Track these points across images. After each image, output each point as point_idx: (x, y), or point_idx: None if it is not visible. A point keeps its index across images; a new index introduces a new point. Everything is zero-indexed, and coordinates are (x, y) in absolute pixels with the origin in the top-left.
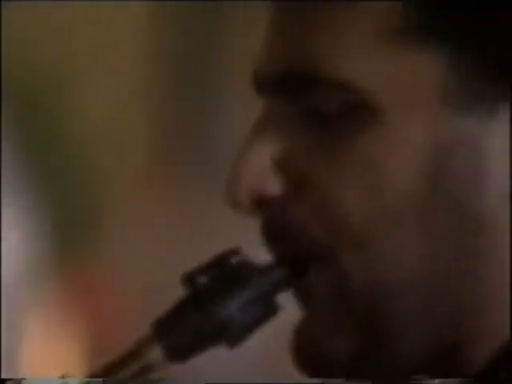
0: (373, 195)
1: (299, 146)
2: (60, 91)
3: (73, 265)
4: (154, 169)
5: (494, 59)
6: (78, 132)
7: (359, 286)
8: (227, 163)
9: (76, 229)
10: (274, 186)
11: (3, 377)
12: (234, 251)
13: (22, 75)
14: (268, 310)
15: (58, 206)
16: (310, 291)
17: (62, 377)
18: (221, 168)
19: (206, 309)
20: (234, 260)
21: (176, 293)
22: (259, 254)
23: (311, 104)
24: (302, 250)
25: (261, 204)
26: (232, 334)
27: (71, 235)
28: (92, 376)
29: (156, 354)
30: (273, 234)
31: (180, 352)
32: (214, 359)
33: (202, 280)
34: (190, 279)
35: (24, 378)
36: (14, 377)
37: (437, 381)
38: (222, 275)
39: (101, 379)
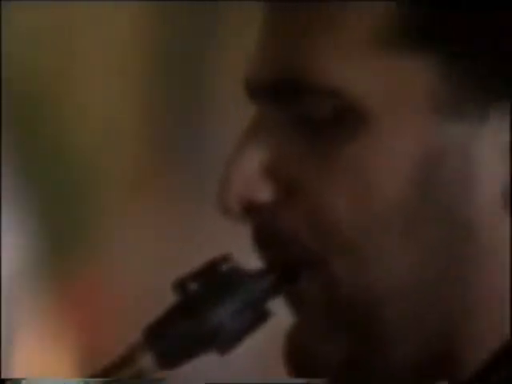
0: (363, 202)
1: (290, 152)
2: (56, 96)
3: (66, 274)
4: (146, 176)
5: (485, 67)
6: (75, 139)
7: (350, 292)
8: (220, 168)
9: (70, 238)
10: (264, 193)
11: (3, 377)
12: (225, 258)
13: (20, 77)
14: (259, 316)
15: (53, 215)
16: (301, 297)
17: None
18: (214, 174)
19: (197, 315)
20: (224, 266)
21: (169, 300)
22: (251, 260)
23: (302, 111)
24: (293, 257)
25: (251, 210)
26: (223, 341)
27: (64, 244)
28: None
29: (147, 360)
30: (263, 240)
31: (171, 359)
32: (205, 366)
33: (193, 286)
34: (180, 286)
35: (24, 378)
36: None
37: None
38: (213, 282)
39: (101, 379)
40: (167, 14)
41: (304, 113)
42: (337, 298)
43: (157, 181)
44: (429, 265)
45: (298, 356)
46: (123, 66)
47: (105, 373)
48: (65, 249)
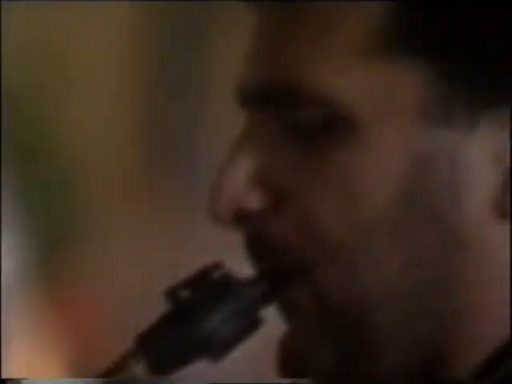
0: (352, 209)
1: (281, 160)
2: (49, 101)
3: (56, 282)
4: (138, 184)
5: (473, 74)
6: (66, 146)
7: (340, 298)
8: (212, 177)
9: (60, 245)
10: (255, 201)
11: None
12: (217, 265)
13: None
14: (251, 323)
15: (43, 220)
16: (293, 304)
17: None
18: (206, 182)
19: (189, 323)
20: (216, 274)
21: (160, 307)
22: (243, 268)
23: (293, 119)
24: (284, 264)
25: (242, 218)
26: (215, 348)
27: (55, 252)
28: None
29: (139, 368)
30: (255, 248)
31: (163, 366)
32: (197, 373)
33: (185, 294)
34: (172, 293)
35: (25, 379)
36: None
37: None
38: (205, 289)
39: (100, 379)
40: (157, 15)
41: (294, 121)
42: (328, 305)
43: (148, 189)
44: (418, 271)
45: (290, 362)
46: (116, 72)
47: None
48: (55, 257)
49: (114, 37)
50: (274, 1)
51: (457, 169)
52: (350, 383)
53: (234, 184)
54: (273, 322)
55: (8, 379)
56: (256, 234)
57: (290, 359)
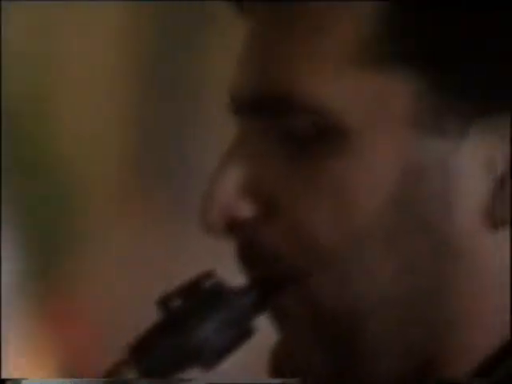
0: (344, 217)
1: (273, 169)
2: (45, 113)
3: (53, 292)
4: (131, 195)
5: (465, 82)
6: (60, 155)
7: (333, 306)
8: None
9: (51, 255)
10: (247, 209)
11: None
12: (209, 274)
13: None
14: (243, 332)
15: (33, 232)
16: (285, 313)
17: None
18: (200, 192)
19: (181, 332)
20: (208, 283)
21: (152, 317)
22: (235, 277)
23: (285, 127)
24: (276, 272)
25: (234, 227)
26: (207, 357)
27: (52, 262)
28: None
29: (131, 376)
30: (247, 256)
31: (155, 375)
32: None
33: (177, 303)
34: (164, 302)
35: (25, 379)
36: None
37: None
38: (197, 298)
39: (99, 379)
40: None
41: (286, 129)
42: (320, 313)
43: (142, 200)
44: (411, 279)
45: (282, 371)
46: (118, 87)
47: None
48: (52, 268)
49: (115, 50)
50: (265, 7)
51: (448, 178)
52: None
53: (225, 193)
54: (265, 330)
55: (8, 379)
56: (248, 242)
57: (282, 368)
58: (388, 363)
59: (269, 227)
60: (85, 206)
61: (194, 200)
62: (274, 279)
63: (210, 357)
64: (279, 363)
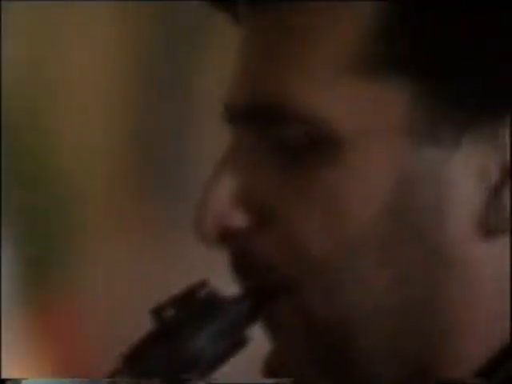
0: (338, 227)
1: (266, 178)
2: (45, 127)
3: (41, 303)
4: (127, 204)
5: (459, 91)
6: (55, 167)
7: (327, 315)
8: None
9: (44, 266)
10: (240, 219)
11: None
12: (202, 284)
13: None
14: (237, 341)
15: (25, 244)
16: (279, 322)
17: None
18: (192, 202)
19: (175, 341)
20: (202, 292)
21: (146, 327)
22: (230, 286)
23: (278, 137)
24: (270, 282)
25: (227, 236)
26: (201, 367)
27: (42, 271)
28: None
29: None
30: (240, 266)
31: None
32: None
33: (171, 313)
34: (158, 312)
35: (25, 379)
36: None
37: None
38: (191, 308)
39: (99, 379)
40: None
41: (280, 139)
42: (314, 322)
43: (137, 209)
44: (404, 288)
45: (276, 380)
46: (118, 102)
47: None
48: (42, 276)
49: (114, 61)
50: (259, 17)
51: (442, 187)
52: None
53: (218, 202)
54: (258, 339)
55: (8, 379)
56: (241, 252)
57: (275, 377)
58: (382, 372)
59: (262, 237)
60: (83, 219)
61: (191, 210)
62: (267, 289)
63: (204, 366)
64: (272, 372)
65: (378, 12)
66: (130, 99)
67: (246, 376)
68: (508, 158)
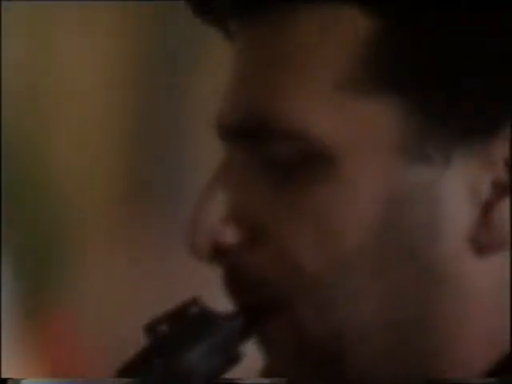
0: (329, 244)
1: (258, 194)
2: (43, 148)
3: (36, 315)
4: (121, 219)
5: (451, 108)
6: (51, 178)
7: (319, 332)
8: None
9: (38, 279)
10: (232, 235)
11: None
12: (195, 300)
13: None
14: (230, 358)
15: (21, 256)
16: (272, 338)
17: None
18: (186, 217)
19: (168, 358)
20: (195, 309)
21: (139, 343)
22: (222, 302)
23: (270, 154)
24: (262, 298)
25: (220, 253)
26: (194, 383)
27: (34, 285)
28: None
29: None
30: (232, 282)
31: None
32: None
33: (164, 329)
34: (151, 328)
35: (25, 378)
36: None
37: None
38: (184, 324)
39: (99, 379)
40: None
41: (271, 156)
42: (306, 338)
43: (132, 227)
44: (396, 304)
45: (271, 380)
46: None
47: None
48: (41, 287)
49: (115, 63)
50: (251, 33)
51: (433, 204)
52: None
53: (210, 218)
54: (252, 355)
55: (8, 379)
56: (233, 268)
57: None
58: None
59: (254, 253)
60: (75, 227)
61: (184, 226)
62: (260, 305)
63: (197, 383)
64: None
65: (369, 31)
66: (130, 99)
67: None
68: (499, 174)
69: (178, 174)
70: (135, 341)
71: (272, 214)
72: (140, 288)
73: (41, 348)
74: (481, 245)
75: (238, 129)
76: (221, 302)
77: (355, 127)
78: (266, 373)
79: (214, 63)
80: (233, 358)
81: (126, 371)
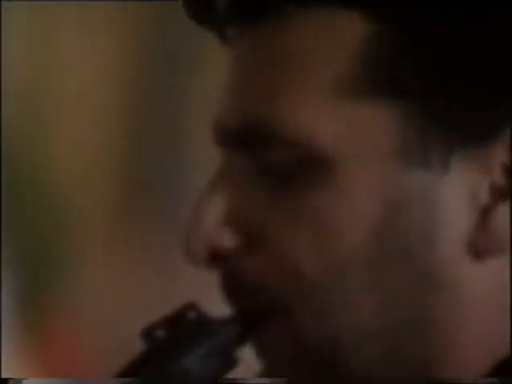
0: (327, 249)
1: (255, 199)
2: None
3: (36, 315)
4: (121, 222)
5: (449, 114)
6: (51, 181)
7: (316, 338)
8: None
9: (38, 279)
10: (229, 240)
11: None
12: (192, 305)
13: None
14: (227, 363)
15: (21, 256)
16: (268, 343)
17: None
18: (186, 216)
19: (165, 363)
20: (192, 314)
21: (139, 343)
22: (220, 307)
23: (268, 160)
24: (259, 303)
25: (216, 258)
26: None
27: (34, 285)
28: None
29: None
30: (230, 287)
31: None
32: None
33: (161, 334)
34: (148, 333)
35: (25, 378)
36: None
37: None
38: (181, 329)
39: (99, 379)
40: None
41: (269, 161)
42: (303, 343)
43: (132, 228)
44: (393, 309)
45: (271, 380)
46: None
47: None
48: (39, 292)
49: (115, 64)
50: (248, 38)
51: (431, 208)
52: None
53: (207, 223)
54: (248, 360)
55: (8, 379)
56: (230, 273)
57: None
58: None
59: (251, 258)
60: (75, 230)
61: (181, 231)
62: (257, 310)
63: None
64: None
65: (367, 34)
66: (130, 99)
67: None
68: (498, 179)
69: (178, 173)
70: (135, 341)
71: (269, 220)
72: (140, 288)
73: (41, 348)
74: (478, 249)
75: (236, 135)
76: (218, 306)
77: (354, 132)
78: (263, 377)
79: (214, 63)
80: (230, 363)
81: (123, 376)
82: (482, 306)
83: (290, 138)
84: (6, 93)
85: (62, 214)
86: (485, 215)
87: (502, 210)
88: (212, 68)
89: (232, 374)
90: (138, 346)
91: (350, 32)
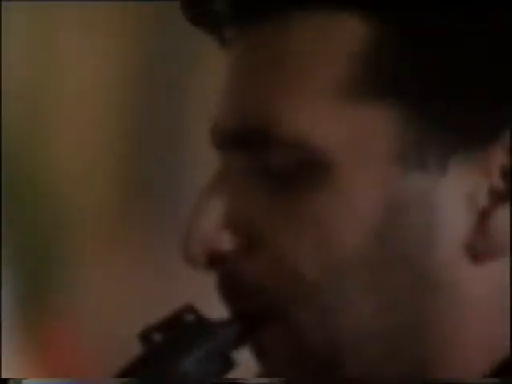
0: (326, 251)
1: (254, 201)
2: (44, 155)
3: (36, 315)
4: (120, 225)
5: (448, 116)
6: (49, 185)
7: (315, 339)
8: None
9: (38, 279)
10: (228, 242)
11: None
12: (190, 307)
13: None
14: (225, 365)
15: (21, 256)
16: (267, 345)
17: None
18: (186, 216)
19: (162, 365)
20: (189, 316)
21: (137, 348)
22: (218, 309)
23: (267, 162)
24: (258, 305)
25: (215, 260)
26: None
27: (34, 286)
28: None
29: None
30: (229, 289)
31: None
32: None
33: (158, 337)
34: (145, 336)
35: (25, 379)
36: None
37: None
38: (178, 331)
39: (99, 379)
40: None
41: (268, 163)
42: (302, 347)
43: (132, 228)
44: (392, 312)
45: (268, 380)
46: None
47: None
48: (39, 292)
49: (115, 64)
50: (247, 41)
51: (430, 211)
52: None
53: (206, 225)
54: (246, 363)
55: (8, 379)
56: (229, 275)
57: None
58: None
59: (250, 260)
60: (74, 234)
61: (180, 233)
62: (255, 312)
63: None
64: None
65: (367, 36)
66: (130, 99)
67: None
68: (496, 181)
69: (178, 173)
70: (135, 341)
71: (269, 222)
72: (140, 288)
73: (41, 348)
74: (477, 252)
75: (235, 136)
76: (216, 308)
77: (354, 134)
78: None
79: (214, 63)
80: (228, 366)
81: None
82: (481, 309)
83: (289, 139)
84: (5, 93)
85: (62, 213)
86: (484, 218)
87: (502, 213)
88: (212, 68)
89: (231, 376)
90: (137, 347)
91: (349, 34)
